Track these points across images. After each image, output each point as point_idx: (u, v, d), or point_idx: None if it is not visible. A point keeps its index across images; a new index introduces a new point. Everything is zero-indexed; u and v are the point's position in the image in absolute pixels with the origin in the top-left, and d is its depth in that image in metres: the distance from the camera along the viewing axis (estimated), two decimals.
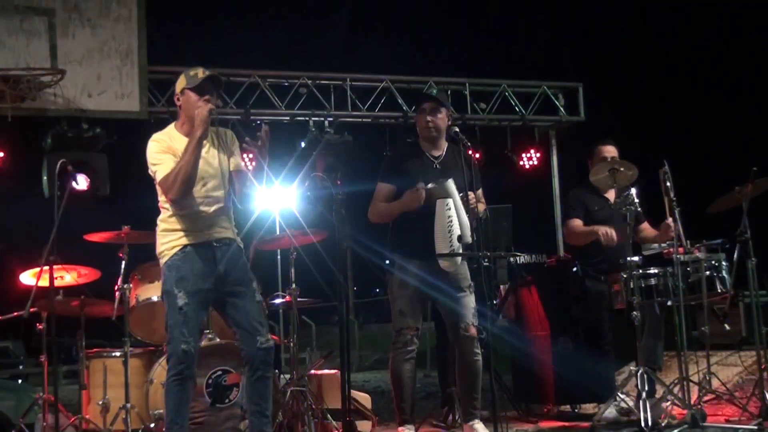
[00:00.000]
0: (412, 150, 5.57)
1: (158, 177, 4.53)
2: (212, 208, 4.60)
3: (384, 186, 5.51)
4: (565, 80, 10.89)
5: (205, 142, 4.57)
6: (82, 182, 8.33)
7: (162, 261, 4.60)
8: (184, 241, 4.55)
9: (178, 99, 4.70)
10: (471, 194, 5.18)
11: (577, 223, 6.32)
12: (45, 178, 8.22)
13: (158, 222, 4.67)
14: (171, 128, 4.70)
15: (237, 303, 4.60)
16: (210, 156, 4.62)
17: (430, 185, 5.23)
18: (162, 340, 6.11)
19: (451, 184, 5.19)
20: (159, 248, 4.63)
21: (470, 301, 5.34)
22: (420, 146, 5.55)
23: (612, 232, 6.01)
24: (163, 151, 4.55)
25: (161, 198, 4.63)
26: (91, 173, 8.41)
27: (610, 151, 6.33)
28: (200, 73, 4.61)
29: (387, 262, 5.47)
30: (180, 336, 4.43)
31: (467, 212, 5.14)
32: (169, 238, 4.58)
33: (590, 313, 6.22)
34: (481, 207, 5.51)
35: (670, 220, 5.83)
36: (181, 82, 4.69)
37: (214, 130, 4.72)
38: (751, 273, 5.87)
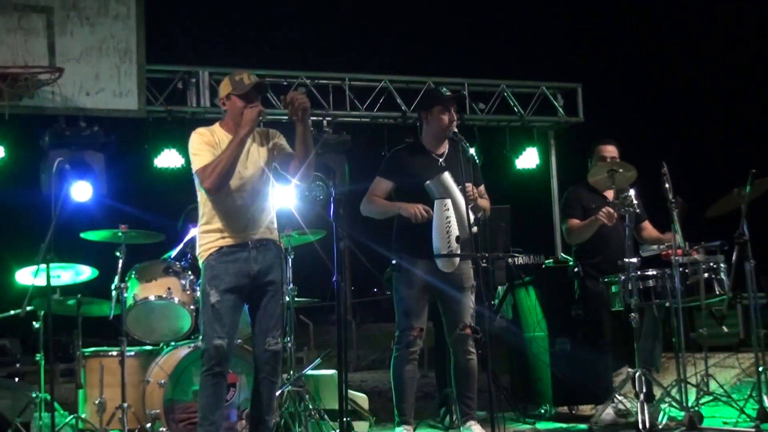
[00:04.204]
0: (416, 148, 5.59)
1: (196, 166, 4.59)
2: (251, 202, 4.66)
3: (383, 181, 5.51)
4: (564, 81, 10.88)
5: (250, 140, 4.67)
6: (83, 191, 8.32)
7: (200, 261, 4.70)
8: (221, 243, 4.62)
9: (224, 103, 4.76)
10: (469, 185, 5.18)
11: (575, 221, 6.32)
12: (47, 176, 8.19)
13: (199, 224, 4.75)
14: (216, 125, 4.77)
15: (263, 302, 4.68)
16: (251, 152, 4.69)
17: (428, 182, 5.23)
18: (159, 340, 6.11)
19: (448, 176, 5.20)
20: (198, 249, 4.73)
21: (470, 301, 5.35)
22: (423, 145, 5.56)
23: (611, 210, 5.99)
24: (206, 143, 4.63)
25: (201, 198, 4.71)
26: (88, 172, 8.39)
27: (611, 151, 6.33)
28: (246, 78, 4.66)
29: (393, 262, 5.46)
30: (212, 332, 4.51)
31: (467, 204, 5.14)
32: (207, 239, 4.66)
33: (589, 314, 6.22)
34: (485, 203, 5.51)
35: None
36: (225, 87, 4.75)
37: (260, 130, 4.82)
38: (750, 275, 5.86)
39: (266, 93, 4.76)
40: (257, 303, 4.70)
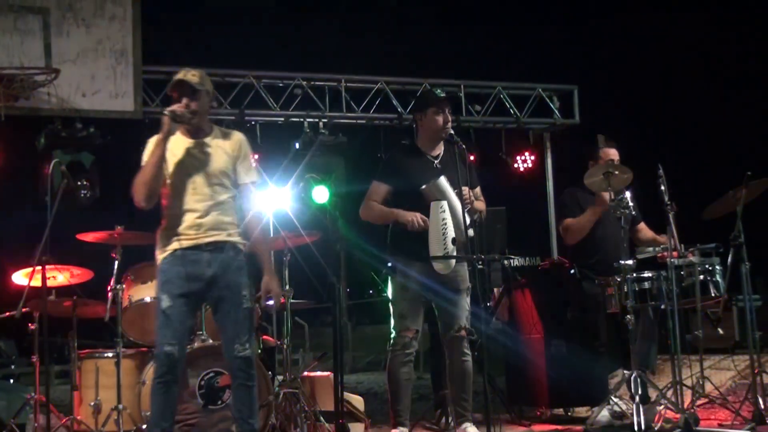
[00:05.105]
0: (411, 150, 5.59)
1: None
2: (204, 206, 4.55)
3: (380, 185, 5.51)
4: (560, 83, 10.88)
5: (206, 140, 4.62)
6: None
7: (158, 265, 4.62)
8: (175, 245, 4.54)
9: None
10: (465, 189, 5.19)
11: (571, 220, 6.34)
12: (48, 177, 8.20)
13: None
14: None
15: (222, 308, 4.58)
16: (205, 155, 4.60)
17: (424, 186, 5.23)
18: (154, 342, 6.09)
19: (443, 181, 5.20)
20: (156, 252, 4.65)
21: (465, 303, 5.36)
22: (418, 147, 5.56)
23: (605, 196, 6.00)
24: (149, 153, 4.57)
25: (163, 201, 4.65)
26: (83, 174, 8.40)
27: (613, 153, 6.35)
28: (180, 75, 4.59)
29: (389, 264, 5.46)
30: (162, 338, 4.46)
31: (463, 208, 5.15)
32: (163, 242, 4.60)
33: (585, 316, 6.23)
34: (481, 205, 5.51)
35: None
36: None
37: (223, 130, 4.75)
38: (745, 277, 5.88)
39: (197, 92, 4.57)
40: (218, 309, 4.61)
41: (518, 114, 10.46)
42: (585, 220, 6.25)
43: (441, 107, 5.45)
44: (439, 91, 5.61)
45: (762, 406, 5.62)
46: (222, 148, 4.66)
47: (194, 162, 4.58)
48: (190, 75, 4.57)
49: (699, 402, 5.73)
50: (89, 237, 5.87)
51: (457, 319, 5.32)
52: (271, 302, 6.35)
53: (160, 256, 4.60)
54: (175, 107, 4.51)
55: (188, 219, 4.55)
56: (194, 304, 4.63)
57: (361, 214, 5.57)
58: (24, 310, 5.49)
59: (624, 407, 5.79)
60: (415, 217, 5.24)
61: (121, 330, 5.79)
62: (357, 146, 10.13)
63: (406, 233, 5.34)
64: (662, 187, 5.71)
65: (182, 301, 4.50)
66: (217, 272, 4.55)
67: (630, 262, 5.66)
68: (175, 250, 4.54)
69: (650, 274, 5.73)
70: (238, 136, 4.75)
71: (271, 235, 6.45)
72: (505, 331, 6.85)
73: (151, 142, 4.59)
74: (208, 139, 4.65)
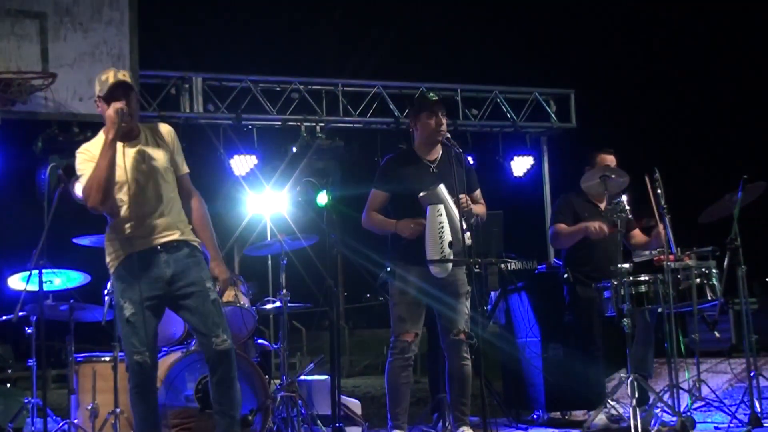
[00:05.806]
0: (408, 156, 5.56)
1: (80, 189, 4.44)
2: (154, 207, 4.44)
3: (378, 193, 5.49)
4: (557, 87, 10.90)
5: (141, 140, 4.49)
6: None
7: (110, 272, 4.52)
8: (128, 250, 4.42)
9: (98, 106, 4.52)
10: (463, 196, 5.18)
11: (563, 226, 6.33)
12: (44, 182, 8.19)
13: (106, 231, 4.56)
14: (100, 135, 4.52)
15: (190, 305, 4.46)
16: (143, 154, 4.47)
17: (422, 194, 5.22)
18: None
19: (442, 188, 5.19)
20: (106, 259, 4.53)
21: (465, 307, 5.35)
22: (415, 152, 5.54)
23: (602, 225, 6.00)
24: (87, 161, 4.43)
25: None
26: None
27: (611, 160, 6.34)
28: (111, 77, 4.43)
29: (388, 269, 5.45)
30: (131, 347, 4.38)
31: (461, 215, 5.14)
32: (113, 248, 4.48)
33: (580, 320, 6.23)
34: (480, 208, 5.50)
35: (662, 227, 5.87)
36: (96, 88, 4.51)
37: (149, 126, 4.61)
38: (741, 280, 5.89)
39: (131, 91, 4.44)
40: (186, 307, 4.47)
41: (515, 118, 10.47)
42: (572, 233, 6.23)
43: (434, 110, 5.44)
44: (431, 94, 5.57)
45: (758, 409, 5.62)
46: (158, 144, 4.54)
47: (136, 164, 4.44)
48: (121, 75, 4.45)
49: (695, 405, 5.73)
50: (86, 240, 5.87)
51: (456, 323, 5.31)
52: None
53: (113, 263, 4.47)
54: (120, 106, 4.35)
55: (140, 222, 4.42)
56: (158, 308, 4.48)
57: (363, 224, 5.57)
58: (21, 314, 5.48)
59: (621, 411, 5.80)
60: (411, 228, 5.22)
61: (118, 334, 5.79)
62: (354, 150, 10.14)
63: (405, 238, 5.33)
64: (658, 191, 5.72)
65: (145, 307, 4.39)
66: (176, 271, 4.44)
67: (626, 265, 5.67)
68: (130, 254, 4.42)
69: (647, 278, 5.73)
70: (167, 128, 4.63)
71: (269, 237, 6.46)
72: (502, 334, 6.86)
73: (92, 147, 4.46)
74: (142, 139, 4.52)
